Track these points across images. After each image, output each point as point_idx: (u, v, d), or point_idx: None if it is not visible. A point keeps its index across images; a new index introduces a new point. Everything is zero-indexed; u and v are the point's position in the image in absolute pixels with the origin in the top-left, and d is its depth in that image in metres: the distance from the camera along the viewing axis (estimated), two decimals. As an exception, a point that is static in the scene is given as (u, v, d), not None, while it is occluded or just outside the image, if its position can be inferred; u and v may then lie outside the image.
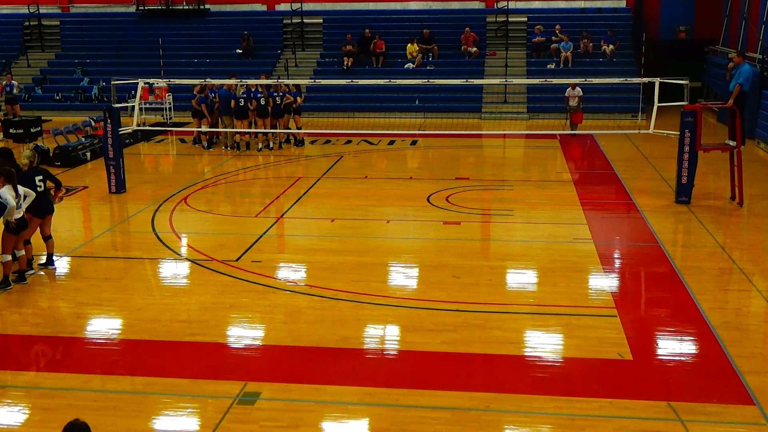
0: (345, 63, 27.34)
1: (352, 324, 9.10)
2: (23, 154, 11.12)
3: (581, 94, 21.81)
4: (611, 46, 26.67)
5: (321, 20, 29.98)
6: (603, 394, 7.37)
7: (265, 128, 20.01)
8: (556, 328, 8.93)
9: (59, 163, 18.02)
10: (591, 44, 26.86)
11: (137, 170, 17.79)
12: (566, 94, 21.96)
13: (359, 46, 27.70)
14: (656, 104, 15.16)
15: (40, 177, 10.97)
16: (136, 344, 8.70)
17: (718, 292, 10.20)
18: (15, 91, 23.65)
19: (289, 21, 29.89)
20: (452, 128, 22.19)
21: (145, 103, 23.83)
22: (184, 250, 12.23)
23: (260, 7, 31.10)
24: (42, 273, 10.97)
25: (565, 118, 22.76)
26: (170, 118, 24.94)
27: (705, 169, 16.20)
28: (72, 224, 13.81)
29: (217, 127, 20.55)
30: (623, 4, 29.18)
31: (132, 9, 31.21)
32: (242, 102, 19.76)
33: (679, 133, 14.22)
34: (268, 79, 21.80)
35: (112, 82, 16.95)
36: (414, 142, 21.62)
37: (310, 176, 17.25)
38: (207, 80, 19.55)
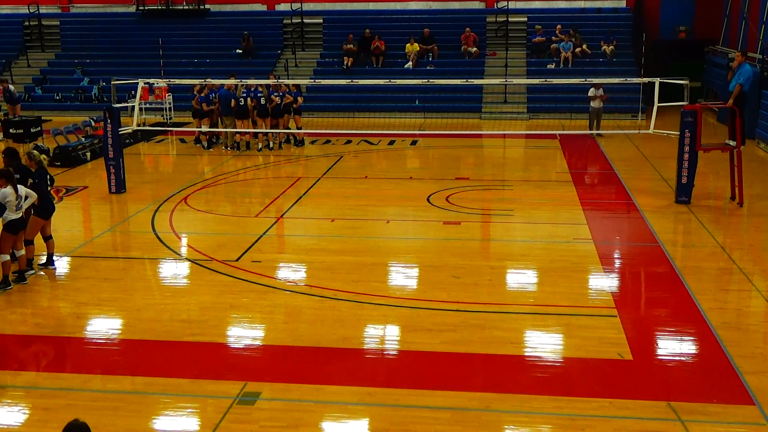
0: (345, 63, 27.35)
1: (352, 324, 9.10)
2: (38, 155, 11.12)
3: (604, 94, 21.63)
4: (611, 46, 26.66)
5: (321, 20, 29.99)
6: (603, 394, 7.37)
7: (265, 128, 20.01)
8: (556, 328, 8.93)
9: (59, 163, 18.02)
10: (584, 45, 26.76)
11: (137, 170, 17.79)
12: (590, 94, 21.52)
13: (359, 46, 27.71)
14: (656, 104, 15.17)
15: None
16: (136, 344, 8.70)
17: (718, 292, 10.20)
18: (14, 88, 23.61)
19: (289, 21, 29.90)
20: (452, 128, 22.17)
21: (145, 103, 23.83)
22: (184, 250, 12.23)
23: (260, 7, 31.10)
24: (42, 273, 10.97)
25: (587, 119, 22.23)
26: (170, 118, 24.94)
27: (705, 169, 16.20)
28: (72, 224, 13.81)
29: (217, 127, 20.55)
30: (623, 4, 29.19)
31: (132, 9, 31.22)
32: (242, 101, 19.76)
33: (679, 133, 14.22)
34: (276, 79, 21.86)
35: (112, 82, 16.95)
36: (414, 142, 21.62)
37: (310, 176, 17.25)
38: (207, 80, 19.57)
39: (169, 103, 24.96)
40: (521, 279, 10.88)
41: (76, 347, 8.72)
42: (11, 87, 23.88)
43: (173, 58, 28.36)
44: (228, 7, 30.97)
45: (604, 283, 10.47)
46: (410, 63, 27.26)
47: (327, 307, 9.67)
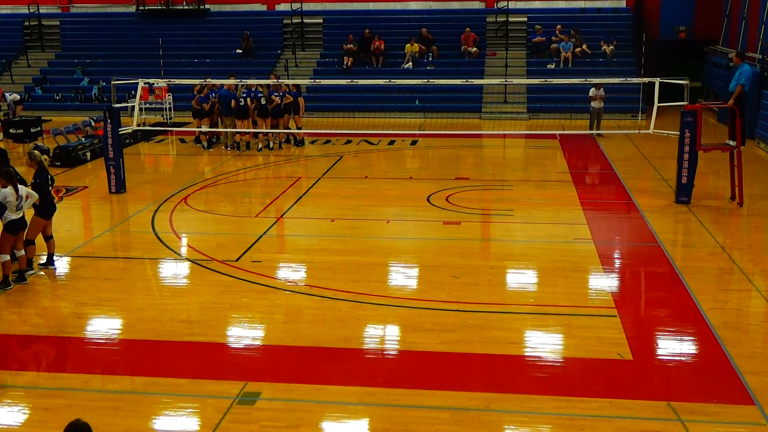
0: (345, 63, 27.35)
1: (352, 324, 9.10)
2: (40, 155, 11.10)
3: (604, 94, 21.62)
4: (611, 46, 26.66)
5: (321, 20, 29.99)
6: (603, 394, 7.38)
7: (265, 128, 20.01)
8: (556, 328, 8.93)
9: (59, 163, 18.02)
10: (584, 45, 26.76)
11: (137, 170, 17.79)
12: (590, 95, 21.54)
13: (359, 46, 27.72)
14: (656, 104, 15.17)
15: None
16: (136, 344, 8.70)
17: (718, 292, 10.20)
18: (10, 98, 23.54)
19: (289, 21, 29.90)
20: (452, 128, 22.18)
21: (145, 103, 23.82)
22: (184, 250, 12.23)
23: (260, 7, 31.10)
24: (42, 273, 10.97)
25: (587, 119, 22.28)
26: (170, 118, 24.94)
27: (705, 169, 16.19)
28: (72, 224, 13.80)
29: (217, 127, 20.56)
30: (623, 4, 29.18)
31: (132, 9, 31.22)
32: (242, 102, 19.76)
33: (679, 133, 14.22)
34: (277, 79, 21.88)
35: (112, 82, 16.95)
36: (414, 142, 21.62)
37: (310, 176, 17.25)
38: (207, 80, 19.56)
39: (169, 103, 24.96)
40: (521, 279, 10.88)
41: (76, 347, 8.72)
42: (7, 95, 23.76)
43: (173, 58, 28.36)
44: (228, 7, 30.97)
45: (604, 283, 10.47)
46: (409, 63, 27.26)
47: (327, 307, 9.67)
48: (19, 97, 24.29)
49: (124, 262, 11.65)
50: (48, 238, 11.11)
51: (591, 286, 10.42)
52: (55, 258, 11.20)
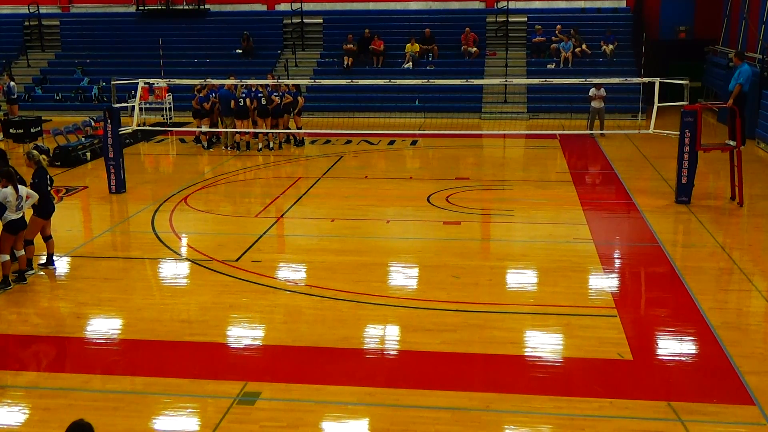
0: (345, 63, 27.36)
1: (352, 324, 9.10)
2: (38, 155, 11.09)
3: (605, 94, 21.64)
4: (611, 46, 26.66)
5: (321, 20, 29.99)
6: (603, 394, 7.37)
7: (265, 128, 20.02)
8: (556, 328, 8.93)
9: (59, 163, 18.02)
10: (584, 45, 26.76)
11: (137, 170, 17.79)
12: (590, 94, 21.57)
13: (359, 46, 27.72)
14: (656, 104, 15.17)
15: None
16: (136, 344, 8.70)
17: (718, 292, 10.20)
18: (15, 92, 23.64)
19: (289, 21, 29.90)
20: (452, 128, 22.17)
21: (145, 103, 23.83)
22: (184, 250, 12.23)
23: (260, 7, 31.10)
24: (42, 273, 10.97)
25: (587, 119, 22.37)
26: (170, 118, 24.94)
27: (705, 169, 16.20)
28: (72, 224, 13.80)
29: (217, 127, 20.56)
30: (623, 4, 29.18)
31: (132, 9, 31.22)
32: (242, 102, 19.76)
33: (679, 133, 14.22)
34: (276, 79, 21.87)
35: (112, 82, 16.94)
36: (414, 142, 21.62)
37: (310, 176, 17.25)
38: (207, 80, 19.56)
39: (169, 103, 24.96)
40: (521, 279, 10.88)
41: (76, 347, 8.72)
42: (12, 84, 23.88)
43: (173, 58, 28.36)
44: (228, 7, 30.97)
45: (604, 283, 10.47)
46: (409, 63, 27.26)
47: (327, 307, 9.67)
48: (17, 93, 24.32)
49: (124, 262, 11.65)
50: (47, 238, 11.11)
51: (591, 286, 10.42)
52: (54, 258, 11.20)
